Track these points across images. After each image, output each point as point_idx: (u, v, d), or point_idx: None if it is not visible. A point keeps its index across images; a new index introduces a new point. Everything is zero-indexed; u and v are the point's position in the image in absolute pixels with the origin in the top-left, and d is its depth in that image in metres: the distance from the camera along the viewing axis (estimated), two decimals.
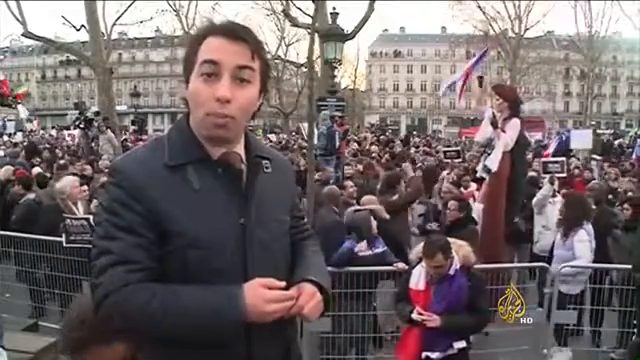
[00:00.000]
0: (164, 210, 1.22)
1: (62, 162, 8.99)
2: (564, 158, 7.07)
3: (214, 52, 1.21)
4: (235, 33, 1.23)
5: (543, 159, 7.69)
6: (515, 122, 5.14)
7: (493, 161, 5.03)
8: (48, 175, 7.46)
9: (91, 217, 4.39)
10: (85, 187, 5.48)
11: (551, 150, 12.02)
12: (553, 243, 4.93)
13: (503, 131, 5.06)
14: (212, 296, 1.18)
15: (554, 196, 5.84)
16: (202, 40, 1.24)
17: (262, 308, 1.17)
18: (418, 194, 5.81)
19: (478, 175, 5.48)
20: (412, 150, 14.69)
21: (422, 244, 3.50)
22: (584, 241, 4.55)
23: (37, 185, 6.67)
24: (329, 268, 4.02)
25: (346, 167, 8.66)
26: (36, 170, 8.33)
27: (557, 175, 6.02)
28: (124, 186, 1.23)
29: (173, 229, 1.23)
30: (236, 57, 1.22)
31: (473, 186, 6.44)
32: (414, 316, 3.24)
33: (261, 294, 1.18)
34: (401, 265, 4.26)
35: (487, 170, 5.12)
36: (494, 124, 5.08)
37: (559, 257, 4.67)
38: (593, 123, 27.15)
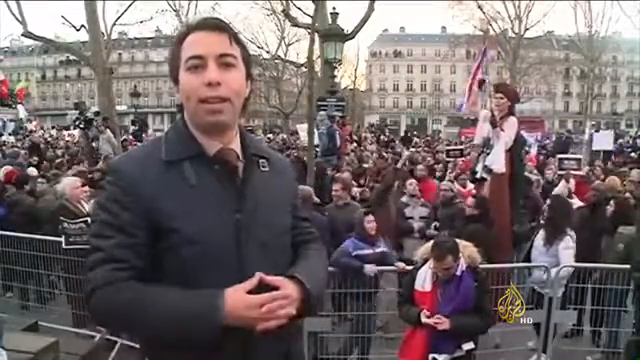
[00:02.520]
0: (160, 206, 1.24)
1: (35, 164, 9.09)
2: (581, 156, 7.04)
3: (196, 47, 1.27)
4: (211, 25, 1.29)
5: (559, 155, 7.62)
6: (513, 120, 5.15)
7: (496, 161, 4.99)
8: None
9: (89, 218, 4.39)
10: (87, 187, 5.48)
11: (534, 152, 11.90)
12: (530, 247, 4.76)
13: (502, 130, 5.05)
14: (192, 301, 1.17)
15: (570, 197, 5.72)
16: (183, 40, 1.30)
17: (243, 313, 1.16)
18: (390, 182, 6.04)
19: (478, 176, 5.38)
20: (412, 150, 14.61)
21: (425, 246, 3.49)
22: (570, 248, 4.44)
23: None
24: (330, 268, 4.05)
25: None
26: (31, 170, 8.25)
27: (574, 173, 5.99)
28: (120, 184, 1.26)
29: (169, 225, 1.23)
30: (217, 46, 1.27)
31: (471, 185, 6.40)
32: (424, 320, 3.19)
33: (241, 299, 1.17)
34: (402, 265, 4.26)
35: (488, 170, 5.09)
36: (493, 123, 5.07)
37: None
38: (593, 123, 27.04)
